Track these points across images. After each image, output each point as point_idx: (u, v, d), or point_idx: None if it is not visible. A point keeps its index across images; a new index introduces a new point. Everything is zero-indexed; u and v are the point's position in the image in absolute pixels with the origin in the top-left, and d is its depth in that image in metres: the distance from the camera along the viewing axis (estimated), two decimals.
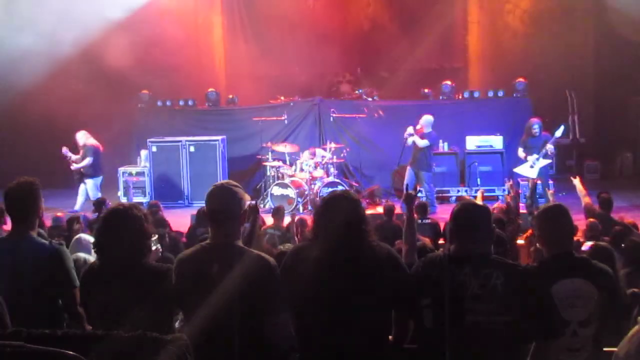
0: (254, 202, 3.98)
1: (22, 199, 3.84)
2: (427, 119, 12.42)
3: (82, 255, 6.00)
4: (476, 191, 11.03)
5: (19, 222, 3.85)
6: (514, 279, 3.24)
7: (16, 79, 12.93)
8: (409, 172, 12.32)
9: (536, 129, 11.74)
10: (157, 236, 6.87)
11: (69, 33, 13.31)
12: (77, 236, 6.83)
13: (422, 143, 12.21)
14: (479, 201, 9.95)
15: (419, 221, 8.30)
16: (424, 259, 3.47)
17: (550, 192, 11.37)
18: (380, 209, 12.36)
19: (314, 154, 13.51)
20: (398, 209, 9.94)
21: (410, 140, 12.26)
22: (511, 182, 9.48)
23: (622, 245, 6.07)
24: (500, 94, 14.70)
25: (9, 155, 15.65)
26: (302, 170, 13.27)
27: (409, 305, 3.40)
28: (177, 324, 3.77)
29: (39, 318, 3.66)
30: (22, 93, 13.56)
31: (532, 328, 3.25)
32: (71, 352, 3.37)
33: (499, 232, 7.08)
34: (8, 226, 7.66)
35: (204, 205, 3.57)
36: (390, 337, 3.47)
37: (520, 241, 7.71)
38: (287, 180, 13.11)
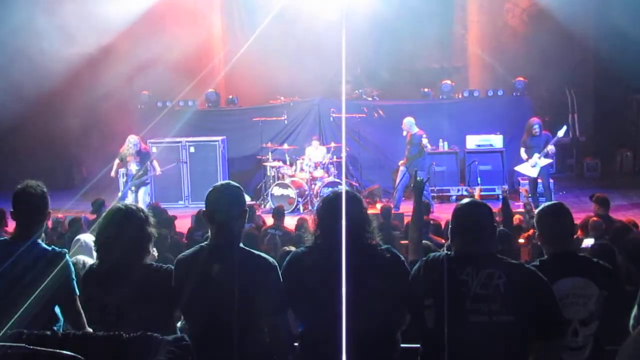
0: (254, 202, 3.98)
1: (30, 203, 3.83)
2: (409, 121, 12.38)
3: (81, 257, 5.99)
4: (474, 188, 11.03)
5: (24, 225, 3.84)
6: (516, 278, 3.21)
7: (15, 78, 12.92)
8: (402, 173, 12.33)
9: (536, 128, 11.74)
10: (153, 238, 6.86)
11: (68, 34, 13.31)
12: (77, 237, 6.83)
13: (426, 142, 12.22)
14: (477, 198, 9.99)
15: None
16: (426, 259, 3.44)
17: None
18: (379, 206, 12.41)
19: (321, 143, 13.62)
20: (405, 208, 9.91)
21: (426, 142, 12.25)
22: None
23: (623, 242, 6.06)
24: (500, 93, 14.71)
25: (10, 156, 15.68)
26: (302, 170, 13.28)
27: (411, 306, 3.39)
28: (179, 324, 3.77)
29: (36, 322, 3.65)
30: (21, 92, 13.55)
31: (535, 328, 3.24)
32: (69, 353, 3.38)
33: (503, 230, 7.08)
34: (9, 228, 7.70)
35: (203, 207, 3.55)
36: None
37: (520, 240, 7.72)
38: (287, 181, 13.11)
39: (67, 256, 3.95)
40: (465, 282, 3.20)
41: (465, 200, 3.61)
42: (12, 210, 3.86)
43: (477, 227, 3.34)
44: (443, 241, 7.65)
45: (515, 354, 3.23)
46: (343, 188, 3.51)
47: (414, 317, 3.43)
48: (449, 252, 3.39)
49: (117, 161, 12.02)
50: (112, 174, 12.05)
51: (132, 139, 11.88)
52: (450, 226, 3.48)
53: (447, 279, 3.17)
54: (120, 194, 12.08)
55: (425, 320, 3.29)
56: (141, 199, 11.85)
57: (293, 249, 7.03)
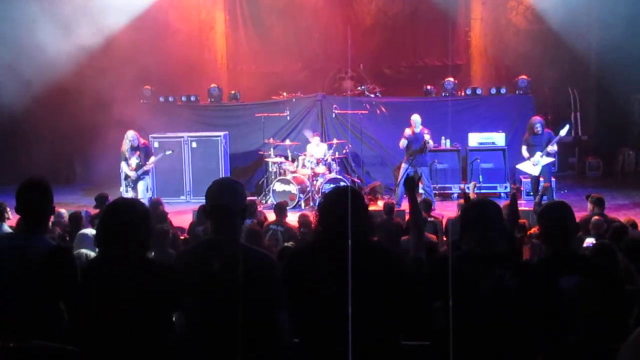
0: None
1: (33, 198, 3.83)
2: (418, 119, 12.41)
3: (84, 251, 6.02)
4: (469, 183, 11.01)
5: (29, 221, 3.84)
6: (526, 279, 3.17)
7: (18, 73, 12.93)
8: (404, 169, 12.33)
9: (538, 127, 11.73)
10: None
11: (70, 28, 13.32)
12: (81, 232, 6.85)
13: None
14: (472, 194, 9.98)
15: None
16: (435, 260, 3.40)
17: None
18: (380, 203, 12.42)
19: (322, 139, 13.60)
20: (407, 205, 9.86)
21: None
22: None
23: (622, 241, 6.07)
24: (503, 91, 14.68)
25: (13, 150, 15.70)
26: (304, 166, 13.27)
27: (416, 306, 3.35)
28: (174, 318, 3.77)
29: (39, 317, 3.66)
30: (23, 87, 13.56)
31: (543, 327, 3.21)
32: (71, 347, 3.39)
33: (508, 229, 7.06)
34: (11, 222, 7.72)
35: (204, 203, 3.55)
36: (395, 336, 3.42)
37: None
38: (289, 177, 13.11)
39: (72, 251, 3.96)
40: (476, 283, 3.15)
41: (476, 198, 3.57)
42: (16, 205, 3.86)
43: (488, 226, 3.29)
44: (435, 238, 7.65)
45: (525, 354, 3.19)
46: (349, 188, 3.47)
47: (420, 318, 3.39)
48: (457, 252, 3.35)
49: (123, 163, 11.98)
50: (131, 174, 11.91)
51: (129, 134, 11.86)
52: (460, 225, 3.41)
53: (457, 280, 3.10)
54: (123, 189, 12.08)
55: (433, 321, 3.24)
56: (140, 193, 11.84)
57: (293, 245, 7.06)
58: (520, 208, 10.26)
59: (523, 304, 3.12)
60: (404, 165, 12.41)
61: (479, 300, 3.14)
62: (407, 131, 12.34)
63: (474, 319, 3.13)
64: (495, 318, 3.12)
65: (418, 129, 12.29)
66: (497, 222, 3.34)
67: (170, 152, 12.84)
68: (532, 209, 10.38)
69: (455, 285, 3.08)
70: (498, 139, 13.85)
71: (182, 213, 11.82)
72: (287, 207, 10.10)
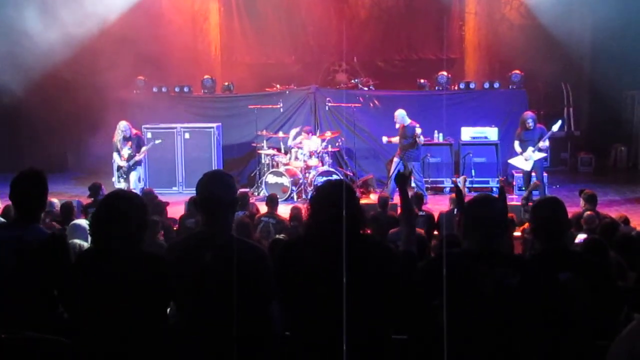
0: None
1: (29, 189, 3.84)
2: (401, 113, 12.40)
3: (77, 241, 6.02)
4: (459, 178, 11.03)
5: (24, 211, 3.84)
6: (528, 276, 3.16)
7: (13, 62, 12.87)
8: (395, 163, 12.34)
9: (530, 122, 11.75)
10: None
11: (65, 18, 13.25)
12: (73, 222, 6.84)
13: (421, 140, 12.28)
14: (463, 188, 10.01)
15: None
16: (435, 257, 3.37)
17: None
18: (372, 197, 12.43)
19: (310, 133, 13.51)
20: (399, 199, 9.89)
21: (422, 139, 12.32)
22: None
23: (613, 238, 6.09)
24: (496, 85, 14.69)
25: (4, 140, 15.63)
26: (296, 158, 13.26)
27: (404, 298, 3.35)
28: (168, 311, 3.77)
29: (37, 306, 3.66)
30: (19, 77, 13.50)
31: (545, 325, 3.20)
32: (63, 339, 3.39)
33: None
34: None
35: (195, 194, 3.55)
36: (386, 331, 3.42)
37: (516, 233, 7.73)
38: (281, 169, 13.11)
39: (67, 240, 3.95)
40: (479, 281, 3.14)
41: (479, 195, 3.53)
42: (10, 194, 3.86)
43: (491, 225, 3.26)
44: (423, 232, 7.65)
45: (525, 351, 3.18)
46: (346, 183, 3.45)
47: (414, 313, 3.38)
48: (457, 249, 3.33)
49: (115, 153, 11.96)
50: (122, 165, 11.91)
51: (121, 125, 11.86)
52: (463, 223, 3.39)
53: (459, 278, 3.10)
54: (115, 179, 12.04)
55: (435, 319, 3.22)
56: (132, 183, 11.81)
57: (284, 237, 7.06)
58: (511, 203, 10.34)
59: (524, 301, 3.11)
60: (395, 159, 12.42)
61: (483, 298, 3.12)
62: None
63: (477, 317, 3.12)
64: (498, 315, 3.10)
65: (406, 122, 12.26)
66: (500, 221, 3.33)
67: (160, 141, 12.82)
68: (520, 203, 10.42)
69: (458, 283, 3.07)
70: (491, 133, 13.87)
71: (174, 204, 11.76)
72: (280, 200, 10.10)
